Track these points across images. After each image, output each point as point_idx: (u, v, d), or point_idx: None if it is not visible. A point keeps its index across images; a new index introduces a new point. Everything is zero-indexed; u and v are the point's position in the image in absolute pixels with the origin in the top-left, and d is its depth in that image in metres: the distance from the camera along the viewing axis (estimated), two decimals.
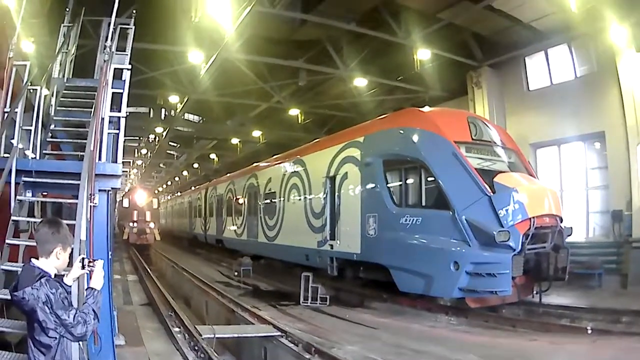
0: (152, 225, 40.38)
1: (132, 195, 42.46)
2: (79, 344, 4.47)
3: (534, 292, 13.05)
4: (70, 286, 4.32)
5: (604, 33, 17.11)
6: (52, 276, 4.08)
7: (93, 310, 4.04)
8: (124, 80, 8.94)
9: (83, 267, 4.30)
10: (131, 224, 39.64)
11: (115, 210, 30.30)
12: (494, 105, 22.43)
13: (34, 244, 4.37)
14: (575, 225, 15.33)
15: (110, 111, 8.15)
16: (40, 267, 4.05)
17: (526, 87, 22.09)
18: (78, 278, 4.46)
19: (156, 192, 69.34)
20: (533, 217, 11.88)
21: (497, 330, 12.02)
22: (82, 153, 7.52)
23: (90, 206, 6.67)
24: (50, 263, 4.13)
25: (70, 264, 4.41)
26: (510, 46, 21.09)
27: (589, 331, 11.16)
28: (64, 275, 4.30)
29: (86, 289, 4.26)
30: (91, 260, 4.32)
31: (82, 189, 6.40)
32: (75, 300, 4.45)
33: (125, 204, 41.97)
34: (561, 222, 12.99)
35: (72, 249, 4.59)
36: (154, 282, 20.55)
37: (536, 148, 21.48)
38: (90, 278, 4.27)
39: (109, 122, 8.08)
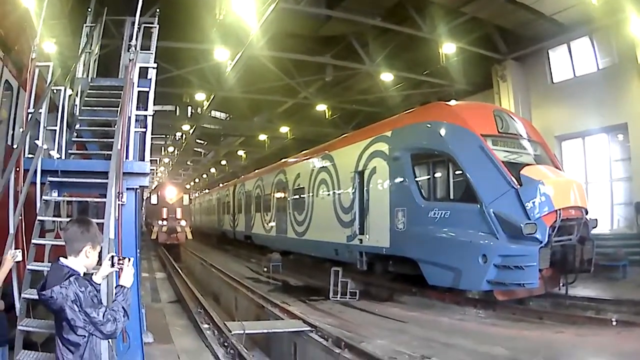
0: (183, 223, 38.00)
1: (161, 191, 40.21)
2: (108, 342, 4.49)
3: (560, 284, 13.02)
4: (100, 284, 4.27)
5: (624, 25, 16.99)
6: (81, 274, 4.08)
7: (123, 307, 4.05)
8: (150, 79, 9.00)
9: (112, 265, 4.29)
10: (160, 222, 37.47)
11: (143, 207, 29.72)
12: (519, 98, 22.42)
13: (60, 243, 4.38)
14: (600, 217, 15.19)
15: (137, 110, 8.19)
16: (69, 266, 4.05)
17: (550, 79, 22.04)
18: (107, 276, 4.47)
19: (186, 187, 68.52)
20: (559, 210, 11.82)
21: (524, 322, 11.97)
22: (108, 152, 7.53)
23: (119, 204, 6.72)
24: (80, 262, 4.12)
25: (99, 262, 4.42)
26: (533, 39, 21.07)
27: (614, 323, 11.08)
28: (92, 274, 4.26)
29: (116, 287, 4.27)
30: (120, 258, 4.33)
31: (110, 188, 6.44)
32: (104, 298, 4.47)
33: (154, 200, 39.73)
34: (586, 214, 12.92)
35: (101, 247, 4.58)
36: (182, 279, 20.62)
37: (561, 140, 21.42)
38: (120, 276, 4.28)
39: (136, 120, 8.11)
